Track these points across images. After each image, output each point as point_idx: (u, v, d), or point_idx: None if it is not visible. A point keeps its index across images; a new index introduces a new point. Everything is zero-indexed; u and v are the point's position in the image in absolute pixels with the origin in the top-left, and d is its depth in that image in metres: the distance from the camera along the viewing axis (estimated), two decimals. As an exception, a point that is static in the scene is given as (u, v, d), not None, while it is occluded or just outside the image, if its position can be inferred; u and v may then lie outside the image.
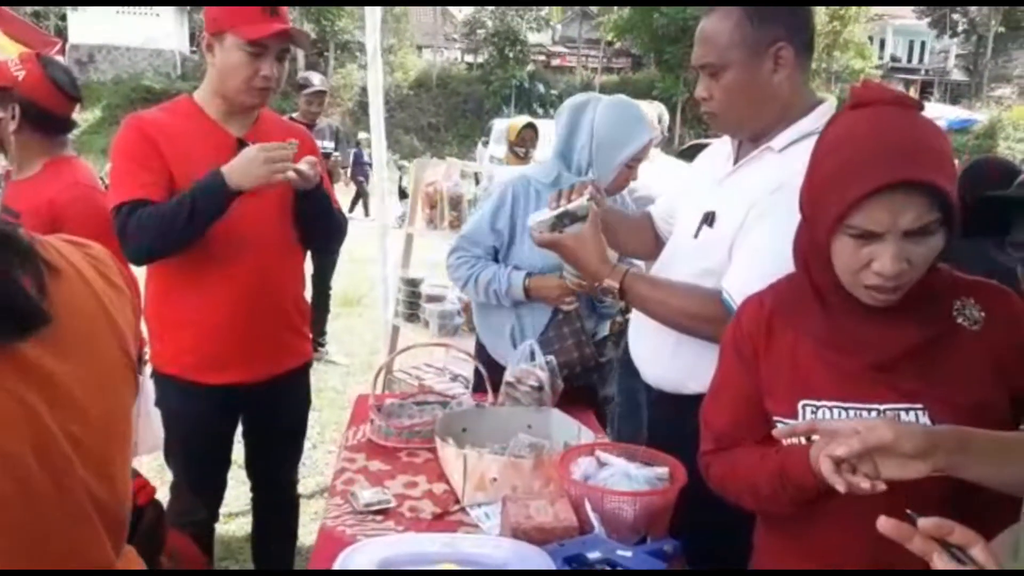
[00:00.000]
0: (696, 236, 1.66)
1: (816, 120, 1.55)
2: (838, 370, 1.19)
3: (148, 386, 2.60)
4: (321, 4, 25.29)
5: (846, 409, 1.18)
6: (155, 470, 3.65)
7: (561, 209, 1.72)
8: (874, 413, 1.16)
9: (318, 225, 2.19)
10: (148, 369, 2.62)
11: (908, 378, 1.17)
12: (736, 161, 1.66)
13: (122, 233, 1.95)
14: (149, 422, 2.58)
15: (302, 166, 1.96)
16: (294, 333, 2.27)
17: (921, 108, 1.15)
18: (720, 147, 1.79)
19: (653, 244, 2.03)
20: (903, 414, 1.16)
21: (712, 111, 1.64)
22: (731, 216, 1.58)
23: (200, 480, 2.26)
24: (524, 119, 4.93)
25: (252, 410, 2.28)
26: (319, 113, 5.01)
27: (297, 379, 2.33)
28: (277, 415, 2.31)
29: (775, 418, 1.25)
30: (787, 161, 1.52)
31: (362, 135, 13.80)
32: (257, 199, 2.01)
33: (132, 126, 2.03)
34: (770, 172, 1.54)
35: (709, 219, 1.63)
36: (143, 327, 2.40)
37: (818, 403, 1.20)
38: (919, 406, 1.16)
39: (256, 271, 2.09)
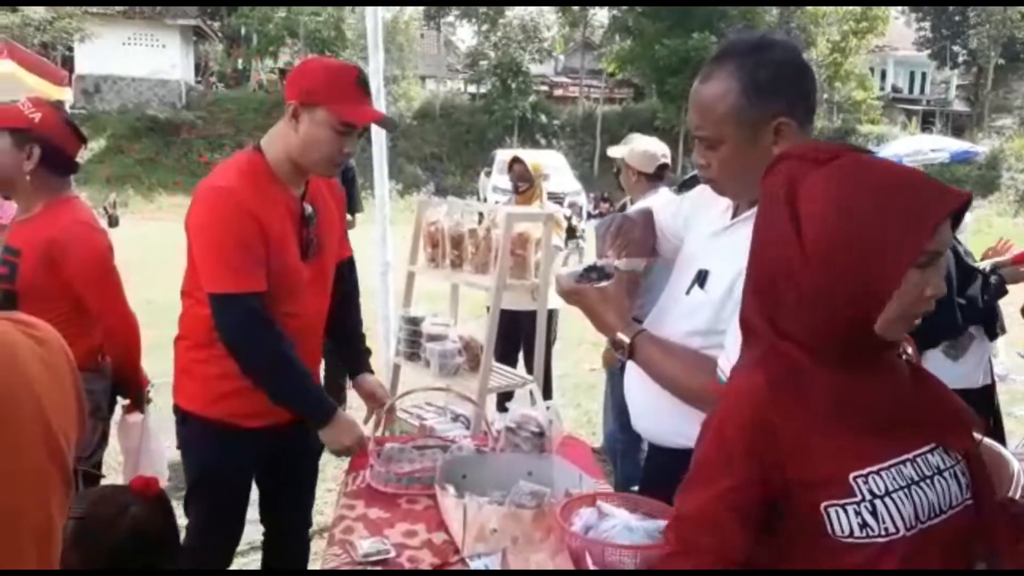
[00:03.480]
0: (688, 293, 1.66)
1: None
2: (868, 431, 1.14)
3: (149, 423, 2.59)
4: (320, 4, 25.50)
5: (890, 468, 1.12)
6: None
7: (592, 263, 1.74)
8: (909, 464, 1.13)
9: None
10: (150, 407, 2.62)
11: (915, 421, 1.15)
12: (734, 214, 1.65)
13: (237, 326, 1.94)
14: (150, 459, 2.58)
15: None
16: (317, 377, 2.28)
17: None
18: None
19: (649, 246, 1.95)
20: (930, 456, 1.14)
21: (710, 178, 1.62)
22: (721, 279, 1.57)
23: (220, 523, 2.18)
24: (511, 153, 4.88)
25: (279, 452, 2.21)
26: None
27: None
28: (299, 458, 2.29)
29: (825, 504, 1.12)
30: None
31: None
32: (317, 266, 2.11)
33: (234, 206, 1.93)
34: None
35: (701, 278, 1.62)
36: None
37: (867, 471, 1.11)
38: (933, 444, 1.15)
39: (304, 318, 2.11)
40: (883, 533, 1.09)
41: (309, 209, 2.08)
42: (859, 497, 1.10)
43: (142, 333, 2.49)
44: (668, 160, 3.61)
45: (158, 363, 2.59)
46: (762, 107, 1.47)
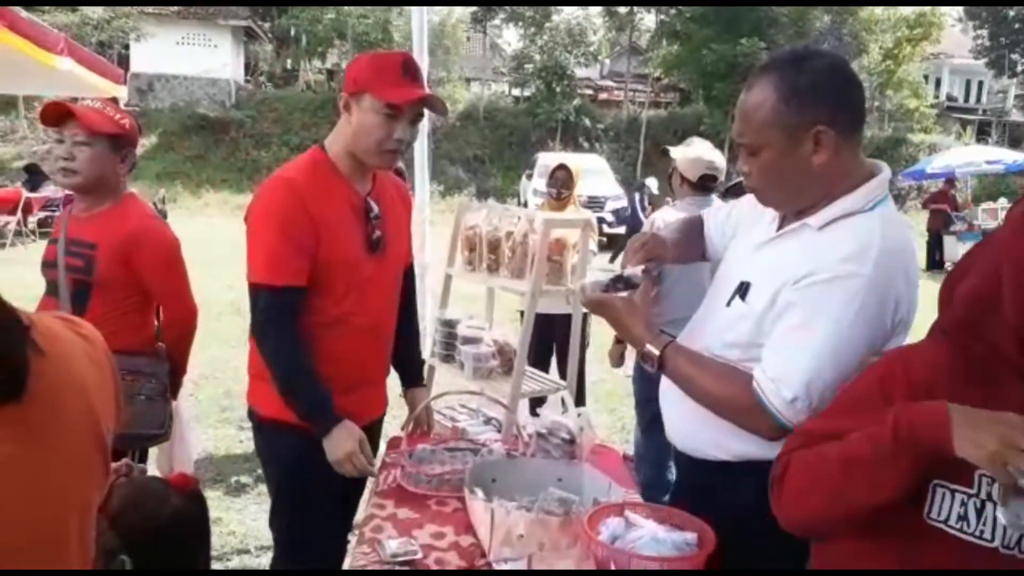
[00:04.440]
0: (728, 305, 1.64)
1: (861, 199, 1.50)
2: None
3: (182, 409, 2.66)
4: (368, 4, 25.73)
5: None
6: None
7: (618, 273, 1.73)
8: None
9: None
10: (192, 399, 2.69)
11: None
12: (779, 227, 1.63)
13: (264, 320, 1.97)
14: (183, 448, 2.65)
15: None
16: (383, 382, 2.28)
17: None
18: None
19: (699, 252, 2.01)
20: None
21: (753, 187, 1.62)
22: (762, 293, 1.56)
23: (317, 544, 2.09)
24: (559, 158, 4.81)
25: None
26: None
27: (378, 427, 2.34)
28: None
29: (936, 482, 1.14)
30: (823, 243, 1.50)
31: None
32: (383, 263, 2.10)
33: (287, 196, 1.95)
34: (804, 253, 1.51)
35: (743, 290, 1.61)
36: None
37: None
38: None
39: (367, 317, 2.09)
40: (976, 535, 1.09)
41: (375, 207, 2.08)
42: (975, 491, 1.11)
43: None
44: (717, 172, 3.48)
45: (194, 354, 2.66)
46: (801, 114, 1.47)
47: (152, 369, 2.47)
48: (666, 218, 3.37)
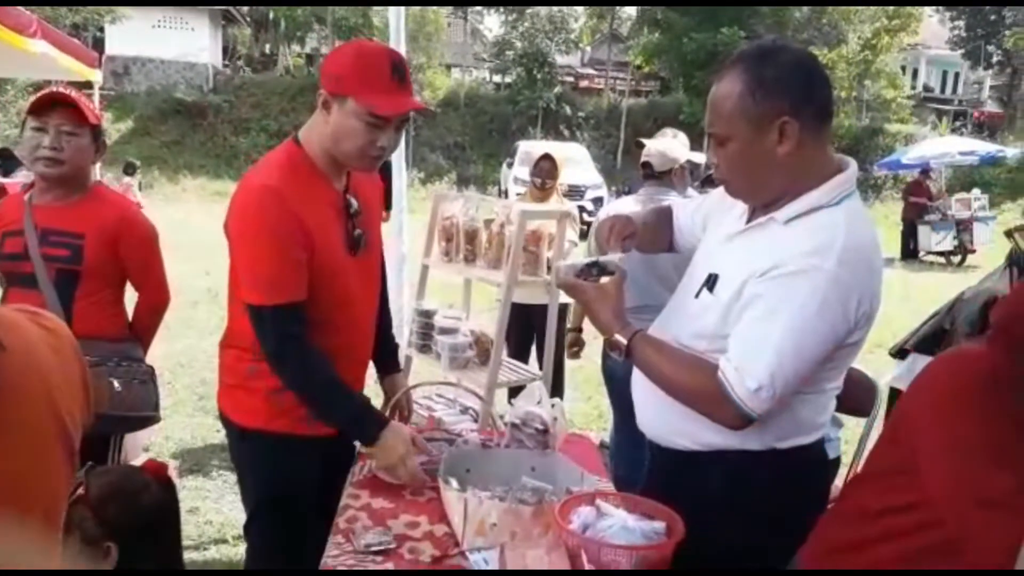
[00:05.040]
0: (697, 296, 1.67)
1: (827, 194, 1.54)
2: None
3: None
4: (344, 4, 25.54)
5: None
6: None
7: (594, 258, 1.75)
8: None
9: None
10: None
11: None
12: (748, 221, 1.67)
13: (277, 342, 1.85)
14: (134, 435, 2.70)
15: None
16: (364, 378, 2.22)
17: None
18: None
19: (667, 242, 2.04)
20: None
21: (721, 178, 1.66)
22: (728, 285, 1.59)
23: (297, 540, 2.04)
24: (542, 148, 4.80)
25: (338, 450, 2.16)
26: None
27: None
28: (345, 458, 2.23)
29: None
30: (788, 237, 1.53)
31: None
32: (366, 260, 2.04)
33: (274, 207, 1.80)
34: (770, 247, 1.54)
35: (711, 282, 1.64)
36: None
37: None
38: None
39: (355, 315, 2.05)
40: None
41: (354, 203, 1.99)
42: None
43: None
44: (680, 165, 3.48)
45: (168, 344, 2.68)
46: (766, 105, 1.51)
47: (138, 354, 2.54)
48: (620, 208, 3.42)
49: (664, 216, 2.04)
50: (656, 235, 2.02)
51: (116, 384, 2.35)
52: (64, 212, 2.39)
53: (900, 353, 3.60)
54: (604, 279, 1.73)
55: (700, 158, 3.96)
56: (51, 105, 2.32)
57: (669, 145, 3.53)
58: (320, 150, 1.91)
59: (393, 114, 1.83)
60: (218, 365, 2.08)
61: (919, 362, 3.31)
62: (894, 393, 3.31)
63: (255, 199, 1.83)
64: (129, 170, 14.03)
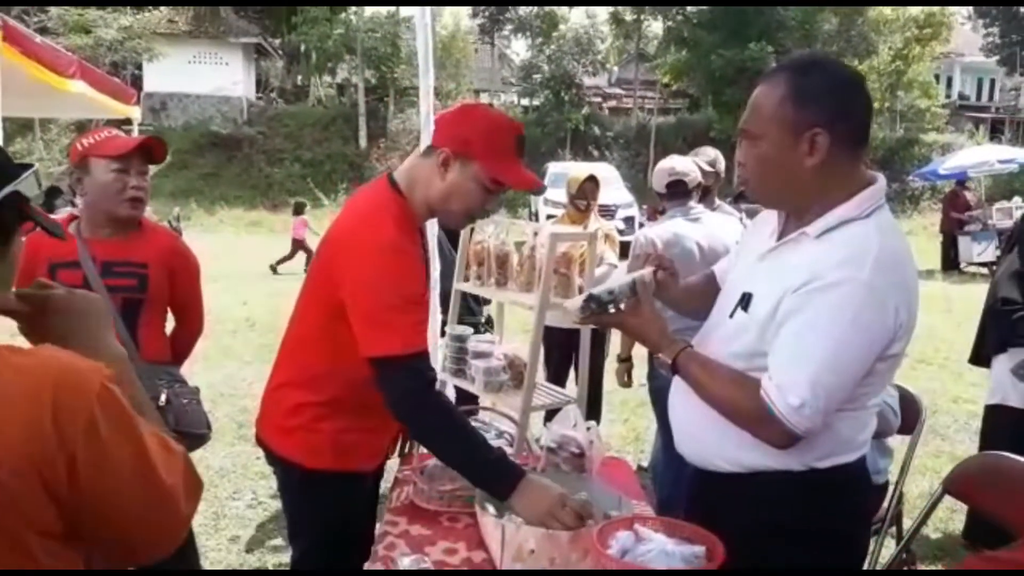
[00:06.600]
0: (732, 316, 1.66)
1: (857, 207, 1.53)
2: None
3: None
4: (368, 4, 25.95)
5: None
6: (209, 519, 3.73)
7: (587, 293, 1.75)
8: None
9: None
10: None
11: None
12: (779, 237, 1.66)
13: (415, 395, 1.80)
14: None
15: None
16: None
17: None
18: (768, 217, 1.78)
19: (706, 308, 1.96)
20: None
21: (745, 178, 1.67)
22: (764, 303, 1.57)
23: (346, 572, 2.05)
24: (585, 170, 4.76)
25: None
26: None
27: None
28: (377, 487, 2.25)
29: None
30: (821, 250, 1.51)
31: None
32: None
33: (407, 264, 1.83)
34: (803, 261, 1.53)
35: (745, 301, 1.63)
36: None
37: None
38: None
39: None
40: None
41: (424, 251, 2.01)
42: None
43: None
44: (680, 175, 3.53)
45: (209, 373, 2.72)
46: (802, 114, 1.52)
47: (183, 376, 2.62)
48: (648, 234, 3.51)
49: (710, 282, 1.98)
50: (696, 295, 1.96)
51: (184, 401, 2.44)
52: (123, 245, 2.47)
53: (978, 359, 3.60)
54: (623, 304, 1.73)
55: (721, 164, 4.02)
56: (149, 149, 2.47)
57: (666, 161, 3.65)
58: (422, 201, 1.92)
59: (519, 187, 1.92)
60: (267, 403, 2.06)
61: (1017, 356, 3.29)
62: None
63: (391, 259, 1.80)
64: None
